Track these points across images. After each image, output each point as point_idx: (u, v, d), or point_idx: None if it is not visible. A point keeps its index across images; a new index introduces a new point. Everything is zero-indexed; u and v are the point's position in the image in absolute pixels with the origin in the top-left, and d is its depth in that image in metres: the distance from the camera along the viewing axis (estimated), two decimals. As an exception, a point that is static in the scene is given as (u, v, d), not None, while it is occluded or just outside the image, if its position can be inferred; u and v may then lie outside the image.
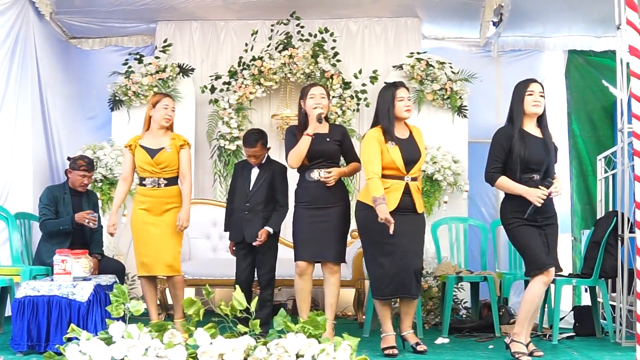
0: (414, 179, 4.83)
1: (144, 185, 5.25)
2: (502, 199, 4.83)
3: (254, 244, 5.33)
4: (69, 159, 6.08)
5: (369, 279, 4.96)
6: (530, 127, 4.71)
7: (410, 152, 4.83)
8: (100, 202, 6.65)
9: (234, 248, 5.49)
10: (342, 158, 5.23)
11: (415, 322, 5.03)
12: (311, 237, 4.96)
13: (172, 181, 5.28)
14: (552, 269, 4.61)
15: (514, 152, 4.62)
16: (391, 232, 4.59)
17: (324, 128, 5.08)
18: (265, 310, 5.26)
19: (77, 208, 5.78)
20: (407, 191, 4.79)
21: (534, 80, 4.74)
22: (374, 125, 4.93)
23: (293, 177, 5.32)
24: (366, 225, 4.85)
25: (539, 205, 4.54)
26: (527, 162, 4.61)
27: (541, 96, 4.69)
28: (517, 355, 4.56)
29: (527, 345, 4.68)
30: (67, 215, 5.71)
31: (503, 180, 4.67)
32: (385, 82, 5.46)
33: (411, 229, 4.80)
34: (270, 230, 5.34)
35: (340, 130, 5.20)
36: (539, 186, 4.58)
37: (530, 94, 4.68)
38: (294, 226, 5.09)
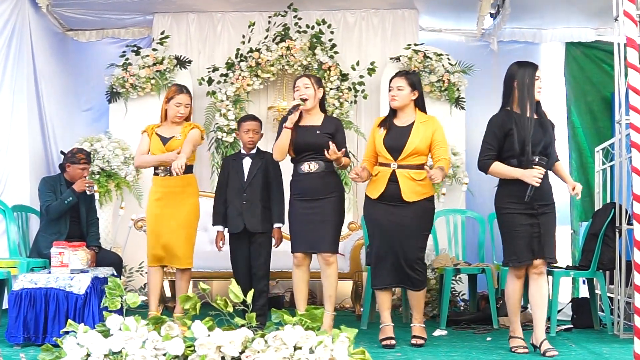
0: (403, 167, 4.77)
1: (157, 174, 5.26)
2: (497, 185, 4.74)
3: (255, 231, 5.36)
4: (62, 153, 6.06)
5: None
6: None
7: (396, 139, 4.79)
8: (97, 194, 6.64)
9: (221, 242, 5.51)
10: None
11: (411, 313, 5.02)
12: (305, 229, 4.95)
13: (186, 169, 5.15)
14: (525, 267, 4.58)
15: (515, 137, 4.51)
16: (353, 177, 4.78)
17: (317, 120, 5.04)
18: (260, 302, 5.26)
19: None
20: (393, 179, 4.76)
21: (537, 66, 4.69)
22: None
23: (286, 168, 5.36)
24: (365, 215, 4.99)
25: (537, 184, 4.42)
26: (526, 144, 4.52)
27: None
28: (513, 350, 4.59)
29: (541, 344, 4.51)
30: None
31: (497, 166, 4.59)
32: (382, 74, 5.45)
33: (400, 220, 4.78)
34: (281, 225, 5.41)
35: (334, 122, 5.12)
36: (534, 166, 4.46)
37: (537, 79, 4.62)
38: (289, 218, 5.12)
